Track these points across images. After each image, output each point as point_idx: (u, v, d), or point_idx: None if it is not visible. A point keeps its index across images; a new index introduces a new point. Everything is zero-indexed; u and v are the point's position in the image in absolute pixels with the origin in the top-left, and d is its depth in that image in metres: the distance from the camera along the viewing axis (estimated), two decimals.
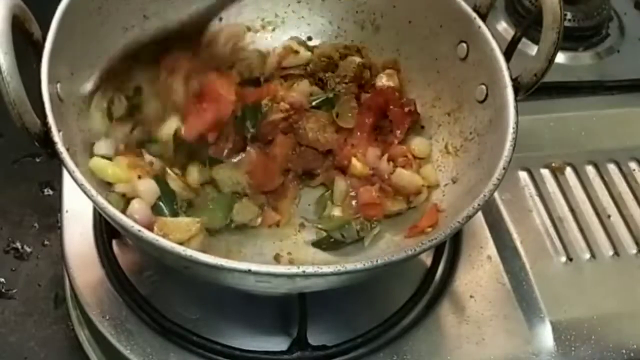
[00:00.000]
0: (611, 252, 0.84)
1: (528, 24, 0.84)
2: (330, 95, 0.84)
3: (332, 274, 0.60)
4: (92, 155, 0.74)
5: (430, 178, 0.81)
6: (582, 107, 0.98)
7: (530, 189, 0.89)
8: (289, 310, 0.75)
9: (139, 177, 0.74)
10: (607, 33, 1.09)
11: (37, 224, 0.94)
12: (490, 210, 0.85)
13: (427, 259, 0.80)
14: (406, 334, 0.76)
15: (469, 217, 0.64)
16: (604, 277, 0.82)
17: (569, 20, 1.04)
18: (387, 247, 0.77)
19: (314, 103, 0.84)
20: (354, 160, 0.81)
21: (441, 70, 0.84)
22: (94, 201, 0.61)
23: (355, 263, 0.60)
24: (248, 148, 0.79)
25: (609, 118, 0.97)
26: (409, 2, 0.85)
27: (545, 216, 0.86)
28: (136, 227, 0.60)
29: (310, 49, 0.89)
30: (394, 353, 0.74)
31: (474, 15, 0.78)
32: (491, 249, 0.83)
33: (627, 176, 0.91)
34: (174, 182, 0.75)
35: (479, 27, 0.77)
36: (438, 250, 0.81)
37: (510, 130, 0.70)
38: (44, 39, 0.67)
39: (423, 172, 0.82)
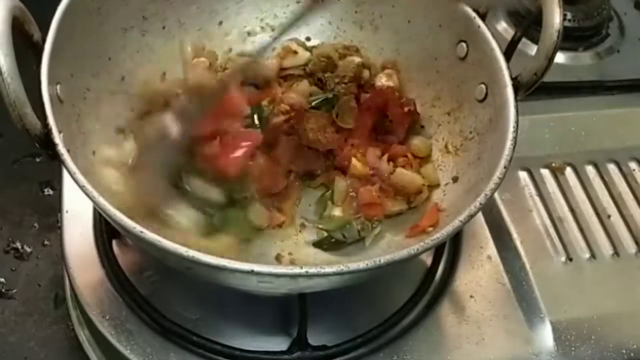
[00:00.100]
0: (611, 252, 0.84)
1: (528, 24, 0.84)
2: (330, 95, 0.84)
3: (335, 273, 0.60)
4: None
5: (431, 177, 0.81)
6: (582, 107, 0.98)
7: (530, 189, 0.89)
8: (289, 310, 0.75)
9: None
10: (607, 33, 1.09)
11: (37, 224, 0.94)
12: (490, 210, 0.85)
13: (427, 259, 0.80)
14: (406, 334, 0.76)
15: (471, 217, 0.64)
16: (604, 277, 0.82)
17: (569, 20, 1.04)
18: (388, 247, 0.77)
19: (313, 103, 0.84)
20: (354, 160, 0.81)
21: (441, 69, 0.84)
22: (95, 202, 0.61)
23: (357, 263, 0.60)
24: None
25: (609, 118, 0.96)
26: (408, 1, 0.85)
27: (545, 216, 0.86)
28: (138, 228, 0.59)
29: (309, 49, 0.89)
30: (394, 353, 0.74)
31: (474, 14, 0.78)
32: (491, 249, 0.83)
33: (627, 176, 0.90)
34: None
35: (479, 26, 0.77)
36: (438, 250, 0.81)
37: (511, 129, 0.70)
38: (44, 40, 0.67)
39: (423, 171, 0.82)
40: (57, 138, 0.62)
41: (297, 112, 0.81)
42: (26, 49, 0.66)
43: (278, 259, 0.77)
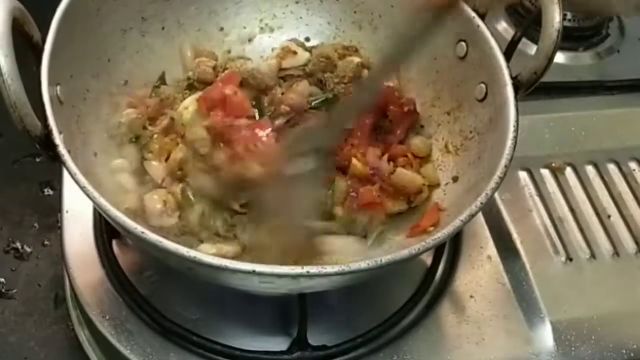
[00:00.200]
0: (611, 252, 0.84)
1: (528, 24, 0.84)
2: (330, 95, 0.84)
3: (336, 273, 0.60)
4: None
5: (431, 177, 0.81)
6: (582, 107, 0.98)
7: (530, 189, 0.89)
8: (289, 310, 0.75)
9: None
10: (607, 33, 1.09)
11: (37, 224, 0.94)
12: (490, 210, 0.85)
13: (427, 259, 0.81)
14: (406, 334, 0.76)
15: (472, 216, 0.64)
16: (604, 277, 0.82)
17: (569, 20, 1.05)
18: (389, 247, 0.77)
19: (313, 104, 0.84)
20: (354, 160, 0.81)
21: (440, 69, 0.84)
22: (96, 203, 0.61)
23: (359, 263, 0.60)
24: None
25: (609, 118, 0.97)
26: (407, 1, 0.85)
27: (545, 216, 0.86)
28: (139, 229, 0.59)
29: (308, 49, 0.89)
30: (394, 353, 0.74)
31: (473, 14, 0.78)
32: (491, 249, 0.83)
33: (627, 176, 0.91)
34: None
35: (478, 25, 0.77)
36: (438, 250, 0.81)
37: (511, 128, 0.70)
38: (44, 41, 0.67)
39: (423, 171, 0.82)
40: (58, 139, 0.62)
41: (297, 112, 0.81)
42: (26, 50, 0.66)
43: None
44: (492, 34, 0.76)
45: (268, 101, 0.83)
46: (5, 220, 0.94)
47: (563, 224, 0.86)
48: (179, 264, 0.63)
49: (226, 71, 0.86)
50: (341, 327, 0.75)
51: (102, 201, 0.61)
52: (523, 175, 0.90)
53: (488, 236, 0.84)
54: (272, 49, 0.90)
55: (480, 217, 0.84)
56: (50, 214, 0.94)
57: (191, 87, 0.85)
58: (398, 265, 0.61)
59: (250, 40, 0.92)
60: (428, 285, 0.79)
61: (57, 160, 0.63)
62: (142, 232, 0.59)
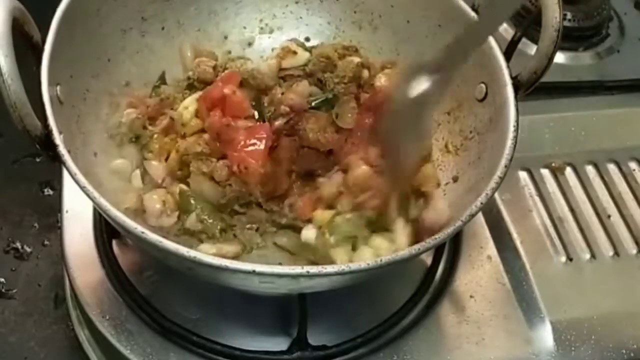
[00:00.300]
0: (611, 252, 0.84)
1: (528, 24, 0.84)
2: (330, 95, 0.84)
3: (336, 273, 0.60)
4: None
5: (431, 177, 0.81)
6: (582, 107, 0.98)
7: (530, 189, 0.89)
8: (289, 310, 0.75)
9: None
10: (607, 33, 1.09)
11: (37, 224, 0.94)
12: (490, 210, 0.85)
13: (427, 259, 0.81)
14: (406, 334, 0.76)
15: (472, 216, 0.64)
16: (604, 277, 0.82)
17: (569, 20, 1.05)
18: None
19: (313, 104, 0.83)
20: (355, 160, 0.81)
21: None
22: (96, 203, 0.61)
23: (359, 262, 0.60)
24: None
25: (609, 118, 0.97)
26: (407, 1, 0.85)
27: (545, 216, 0.86)
28: (139, 229, 0.60)
29: (308, 49, 0.89)
30: (394, 353, 0.74)
31: (473, 14, 0.78)
32: (491, 249, 0.83)
33: (627, 176, 0.91)
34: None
35: None
36: (438, 250, 0.81)
37: (511, 128, 0.70)
38: (44, 41, 0.67)
39: (423, 171, 0.82)
40: (58, 139, 0.62)
41: (297, 113, 0.81)
42: (26, 50, 0.66)
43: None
44: (492, 35, 0.76)
45: (268, 101, 0.83)
46: (5, 220, 0.94)
47: (563, 224, 0.86)
48: (179, 264, 0.63)
49: (226, 71, 0.86)
50: (341, 327, 0.75)
51: (102, 201, 0.61)
52: (523, 175, 0.90)
53: (488, 236, 0.84)
54: (272, 49, 0.90)
55: (480, 217, 0.84)
56: (50, 214, 0.94)
57: (191, 87, 0.85)
58: (398, 265, 0.61)
59: (250, 42, 0.92)
60: (428, 285, 0.79)
61: (57, 160, 0.63)
62: (142, 232, 0.59)
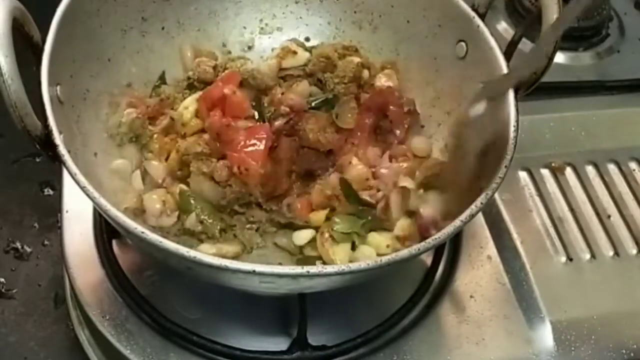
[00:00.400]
0: (611, 252, 0.84)
1: (528, 24, 0.84)
2: (330, 95, 0.84)
3: (336, 273, 0.60)
4: None
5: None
6: (582, 107, 0.98)
7: (530, 189, 0.89)
8: (289, 310, 0.75)
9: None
10: (607, 33, 1.09)
11: (37, 224, 0.94)
12: (490, 210, 0.85)
13: (427, 259, 0.81)
14: (406, 334, 0.76)
15: (472, 216, 0.64)
16: (604, 277, 0.82)
17: None
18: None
19: (313, 104, 0.84)
20: (354, 160, 0.81)
21: (440, 69, 0.84)
22: (96, 203, 0.61)
23: (359, 263, 0.60)
24: None
25: (609, 118, 0.96)
26: (407, 1, 0.85)
27: (545, 216, 0.86)
28: (139, 229, 0.59)
29: (308, 49, 0.89)
30: (394, 353, 0.74)
31: (473, 14, 0.78)
32: (491, 249, 0.83)
33: (627, 176, 0.91)
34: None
35: (478, 26, 0.77)
36: (438, 250, 0.81)
37: (511, 128, 0.70)
38: (44, 41, 0.67)
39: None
40: (58, 139, 0.62)
41: (297, 113, 0.81)
42: (26, 50, 0.66)
43: None
44: (492, 34, 0.76)
45: (268, 101, 0.83)
46: (5, 220, 0.94)
47: (563, 224, 0.86)
48: (179, 264, 0.63)
49: (226, 71, 0.86)
50: (341, 327, 0.75)
51: (102, 201, 0.61)
52: (523, 175, 0.90)
53: (488, 236, 0.84)
54: (272, 49, 0.90)
55: (480, 217, 0.84)
56: (50, 214, 0.94)
57: (191, 87, 0.85)
58: (398, 265, 0.61)
59: (250, 42, 0.92)
60: (428, 285, 0.79)
61: (57, 160, 0.63)
62: (142, 232, 0.59)
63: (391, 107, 0.84)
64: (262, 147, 0.75)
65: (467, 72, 0.80)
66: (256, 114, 0.82)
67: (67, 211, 0.81)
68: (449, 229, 0.63)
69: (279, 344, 0.73)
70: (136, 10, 0.82)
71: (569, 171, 0.91)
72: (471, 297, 0.79)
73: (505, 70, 0.74)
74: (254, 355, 0.72)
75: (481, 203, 0.64)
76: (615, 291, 0.81)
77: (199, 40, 0.89)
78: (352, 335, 0.73)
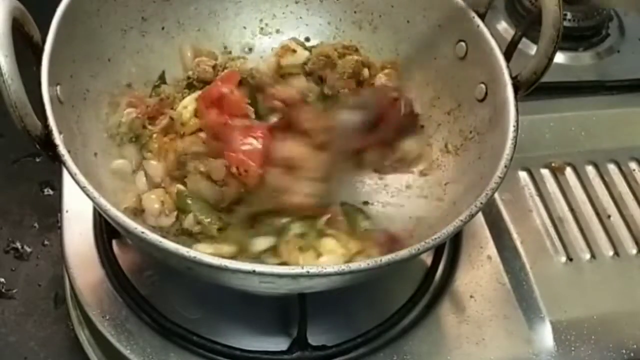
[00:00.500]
0: (611, 252, 0.84)
1: (528, 24, 0.84)
2: (327, 91, 0.84)
3: (336, 273, 0.60)
4: None
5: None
6: (582, 107, 0.98)
7: (530, 189, 0.89)
8: (289, 310, 0.75)
9: None
10: (607, 33, 1.09)
11: (37, 224, 0.94)
12: (490, 210, 0.85)
13: (427, 259, 0.80)
14: (406, 334, 0.76)
15: (472, 216, 0.64)
16: (604, 277, 0.82)
17: (569, 20, 1.04)
18: None
19: (309, 99, 0.83)
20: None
21: (440, 69, 0.84)
22: (96, 203, 0.61)
23: (359, 262, 0.60)
24: None
25: (609, 118, 0.96)
26: (407, 1, 0.85)
27: (545, 216, 0.86)
28: (139, 229, 0.59)
29: (308, 48, 0.89)
30: (394, 353, 0.74)
31: (473, 14, 0.78)
32: (491, 249, 0.83)
33: (627, 176, 0.91)
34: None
35: (478, 26, 0.77)
36: (438, 250, 0.81)
37: (511, 128, 0.70)
38: (44, 41, 0.67)
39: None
40: (58, 139, 0.62)
41: (291, 105, 0.80)
42: (26, 50, 0.66)
43: None
44: (492, 34, 0.76)
45: (263, 99, 0.82)
46: (5, 220, 0.94)
47: (563, 224, 0.86)
48: (179, 264, 0.63)
49: (225, 71, 0.86)
50: (341, 327, 0.75)
51: (102, 201, 0.61)
52: (523, 175, 0.90)
53: (488, 236, 0.84)
54: (272, 49, 0.90)
55: (480, 217, 0.84)
56: (50, 214, 0.94)
57: (191, 87, 0.85)
58: (398, 265, 0.61)
59: (250, 42, 0.91)
60: (428, 285, 0.79)
61: (57, 160, 0.63)
62: (142, 232, 0.59)
63: (389, 107, 0.84)
64: (259, 146, 0.75)
65: (467, 72, 0.80)
66: (253, 112, 0.81)
67: (67, 211, 0.81)
68: (449, 228, 0.63)
69: (279, 344, 0.73)
70: (136, 10, 0.82)
71: (569, 171, 0.91)
72: (471, 297, 0.79)
73: (505, 70, 0.74)
74: (254, 355, 0.72)
75: (481, 203, 0.64)
76: (615, 291, 0.81)
77: (199, 40, 0.88)
78: (352, 335, 0.73)
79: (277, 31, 0.92)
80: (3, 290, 0.88)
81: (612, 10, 1.11)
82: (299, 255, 0.73)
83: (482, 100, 0.77)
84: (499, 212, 0.85)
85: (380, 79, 0.87)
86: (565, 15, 1.03)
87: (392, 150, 0.83)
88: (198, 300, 0.76)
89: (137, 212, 0.75)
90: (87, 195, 0.61)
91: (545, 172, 0.90)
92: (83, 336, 0.81)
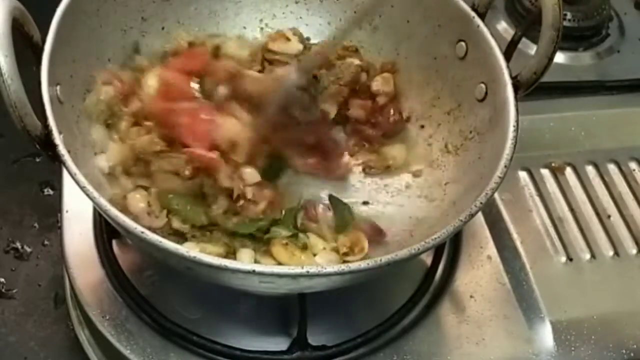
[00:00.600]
0: (611, 252, 0.84)
1: (528, 24, 0.84)
2: (313, 90, 0.84)
3: (336, 273, 0.60)
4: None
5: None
6: (582, 107, 0.98)
7: (530, 189, 0.89)
8: (289, 310, 0.75)
9: None
10: (607, 33, 1.09)
11: (37, 224, 0.94)
12: (490, 210, 0.85)
13: (427, 259, 0.81)
14: (406, 334, 0.76)
15: (472, 216, 0.64)
16: (604, 277, 0.82)
17: (569, 20, 1.04)
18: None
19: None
20: None
21: (440, 69, 0.84)
22: (96, 203, 0.61)
23: (358, 262, 0.60)
24: None
25: (609, 118, 0.97)
26: (406, 1, 0.85)
27: (545, 216, 0.86)
28: (139, 229, 0.59)
29: (305, 43, 0.89)
30: (394, 353, 0.74)
31: (473, 14, 0.78)
32: (491, 249, 0.83)
33: (627, 176, 0.91)
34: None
35: (478, 26, 0.77)
36: (438, 250, 0.81)
37: (511, 128, 0.70)
38: (44, 41, 0.67)
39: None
40: (58, 139, 0.62)
41: (234, 75, 0.79)
42: (26, 50, 0.66)
43: None
44: (492, 34, 0.76)
45: (207, 74, 0.80)
46: (5, 220, 0.94)
47: (563, 224, 0.86)
48: (178, 263, 0.63)
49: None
50: (341, 327, 0.75)
51: (102, 201, 0.61)
52: (523, 175, 0.90)
53: (488, 236, 0.84)
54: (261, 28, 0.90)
55: (480, 217, 0.84)
56: (50, 214, 0.94)
57: (165, 59, 0.83)
58: (398, 265, 0.61)
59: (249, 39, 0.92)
60: (428, 285, 0.79)
61: (57, 160, 0.63)
62: (142, 232, 0.59)
63: (378, 114, 0.85)
64: (207, 127, 0.73)
65: (467, 72, 0.80)
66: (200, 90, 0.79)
67: (67, 211, 0.81)
68: (449, 228, 0.63)
69: (279, 344, 0.73)
70: (136, 10, 0.82)
71: (569, 171, 0.91)
72: (471, 297, 0.79)
73: (505, 70, 0.74)
74: (254, 355, 0.72)
75: (481, 203, 0.64)
76: (615, 291, 0.81)
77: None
78: (352, 335, 0.73)
79: (277, 31, 0.92)
80: (3, 290, 0.88)
81: (612, 10, 1.11)
82: (292, 255, 0.73)
83: (482, 100, 0.77)
84: (499, 212, 0.85)
85: (377, 83, 0.86)
86: (565, 15, 1.03)
87: (378, 155, 0.85)
88: (198, 300, 0.76)
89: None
90: (87, 195, 0.61)
91: (545, 172, 0.90)
92: (83, 336, 0.81)
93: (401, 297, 0.77)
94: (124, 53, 0.82)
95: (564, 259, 0.83)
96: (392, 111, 0.85)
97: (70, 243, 0.79)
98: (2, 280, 0.88)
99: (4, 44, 0.59)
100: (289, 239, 0.73)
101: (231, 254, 0.73)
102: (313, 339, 0.72)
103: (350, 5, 0.89)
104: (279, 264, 0.72)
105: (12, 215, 0.95)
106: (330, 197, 0.79)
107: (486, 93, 0.77)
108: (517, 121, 0.70)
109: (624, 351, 0.77)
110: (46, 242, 0.92)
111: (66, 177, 0.81)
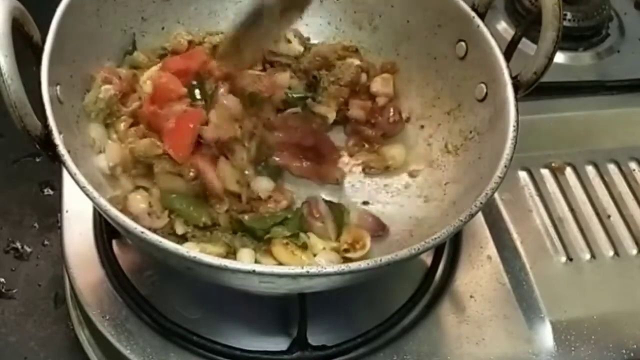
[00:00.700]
0: (611, 252, 0.84)
1: (528, 24, 0.84)
2: (310, 94, 0.85)
3: (336, 273, 0.60)
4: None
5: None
6: (582, 107, 0.98)
7: (530, 189, 0.89)
8: (289, 310, 0.75)
9: None
10: (607, 33, 1.09)
11: (37, 224, 0.94)
12: (490, 210, 0.85)
13: (427, 259, 0.81)
14: (406, 334, 0.76)
15: (472, 216, 0.64)
16: (604, 277, 0.82)
17: (569, 20, 1.04)
18: (388, 247, 0.77)
19: (294, 95, 0.84)
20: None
21: (440, 69, 0.84)
22: (96, 203, 0.61)
23: (358, 262, 0.60)
24: None
25: (609, 118, 0.97)
26: (406, 1, 0.85)
27: (545, 216, 0.86)
28: (139, 229, 0.59)
29: (305, 45, 0.89)
30: (394, 353, 0.74)
31: (473, 14, 0.78)
32: (491, 249, 0.83)
33: (627, 176, 0.91)
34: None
35: (478, 25, 0.77)
36: (438, 250, 0.81)
37: (511, 128, 0.70)
38: (44, 41, 0.67)
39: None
40: (58, 139, 0.62)
41: (232, 75, 0.79)
42: (26, 50, 0.66)
43: None
44: (492, 34, 0.76)
45: (205, 74, 0.81)
46: (5, 220, 0.94)
47: (563, 224, 0.86)
48: (178, 264, 0.63)
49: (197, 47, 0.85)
50: (341, 327, 0.75)
51: (102, 201, 0.61)
52: (523, 175, 0.90)
53: (488, 236, 0.84)
54: None
55: (480, 217, 0.84)
56: (50, 214, 0.94)
57: (164, 58, 0.84)
58: (398, 265, 0.61)
59: None
60: (428, 285, 0.79)
61: (57, 160, 0.63)
62: (142, 232, 0.59)
63: (377, 115, 0.85)
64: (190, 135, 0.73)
65: (467, 72, 0.80)
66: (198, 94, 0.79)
67: (67, 211, 0.81)
68: (449, 228, 0.63)
69: (279, 344, 0.73)
70: (136, 10, 0.82)
71: (569, 171, 0.91)
72: (471, 297, 0.79)
73: (505, 70, 0.74)
74: (254, 355, 0.72)
75: (481, 203, 0.64)
76: (615, 291, 0.81)
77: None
78: (352, 335, 0.73)
79: None
80: (3, 290, 0.88)
81: (612, 10, 1.11)
82: (292, 255, 0.73)
83: (482, 100, 0.78)
84: (499, 212, 0.85)
85: (377, 84, 0.86)
86: (565, 15, 1.03)
87: (378, 155, 0.85)
88: (198, 300, 0.76)
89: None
90: (87, 195, 0.61)
91: (545, 172, 0.91)
92: (83, 336, 0.81)
93: (401, 297, 0.77)
94: (124, 53, 0.83)
95: (564, 259, 0.83)
96: (391, 111, 0.85)
97: (70, 243, 0.79)
98: (2, 280, 0.88)
99: (4, 44, 0.59)
100: (290, 239, 0.73)
101: (231, 254, 0.73)
102: (313, 339, 0.72)
103: (350, 5, 0.90)
104: (279, 263, 0.72)
105: (12, 215, 0.95)
106: (324, 201, 0.79)
107: (486, 93, 0.77)
108: (517, 121, 0.70)
109: (624, 351, 0.77)
110: (46, 242, 0.92)
111: (66, 177, 0.81)
